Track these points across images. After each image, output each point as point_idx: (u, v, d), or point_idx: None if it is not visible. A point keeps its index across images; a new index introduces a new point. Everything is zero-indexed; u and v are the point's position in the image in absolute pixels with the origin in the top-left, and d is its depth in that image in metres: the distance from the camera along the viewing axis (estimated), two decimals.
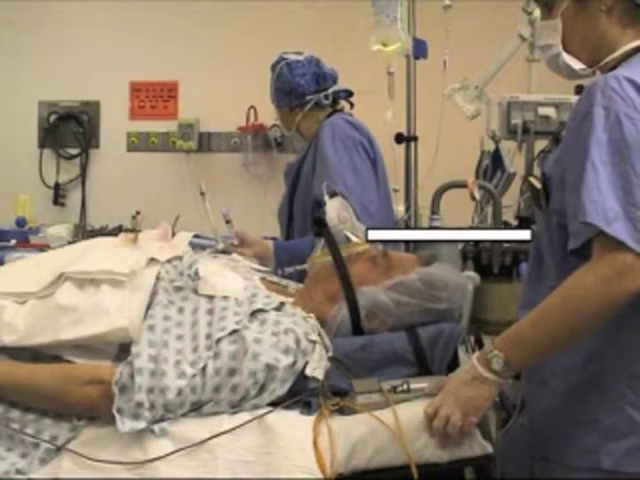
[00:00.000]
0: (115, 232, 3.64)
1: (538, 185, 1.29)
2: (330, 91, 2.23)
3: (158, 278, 1.41)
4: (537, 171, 2.22)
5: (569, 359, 1.25)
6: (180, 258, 1.47)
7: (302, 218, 2.14)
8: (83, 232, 3.64)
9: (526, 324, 1.20)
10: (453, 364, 1.37)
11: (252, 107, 3.86)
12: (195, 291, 1.38)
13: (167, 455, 1.17)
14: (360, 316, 1.42)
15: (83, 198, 4.09)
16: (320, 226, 1.48)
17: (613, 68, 1.27)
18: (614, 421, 1.22)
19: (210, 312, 1.32)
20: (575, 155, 1.19)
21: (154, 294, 1.38)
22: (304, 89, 2.20)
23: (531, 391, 1.34)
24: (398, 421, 1.20)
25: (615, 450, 1.21)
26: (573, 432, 1.25)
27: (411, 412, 1.24)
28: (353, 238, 1.48)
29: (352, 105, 2.35)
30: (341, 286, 1.44)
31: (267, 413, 1.23)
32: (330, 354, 1.33)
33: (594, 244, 1.16)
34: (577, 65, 1.33)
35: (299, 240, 2.04)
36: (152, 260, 1.44)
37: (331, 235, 1.44)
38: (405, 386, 1.27)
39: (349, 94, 2.32)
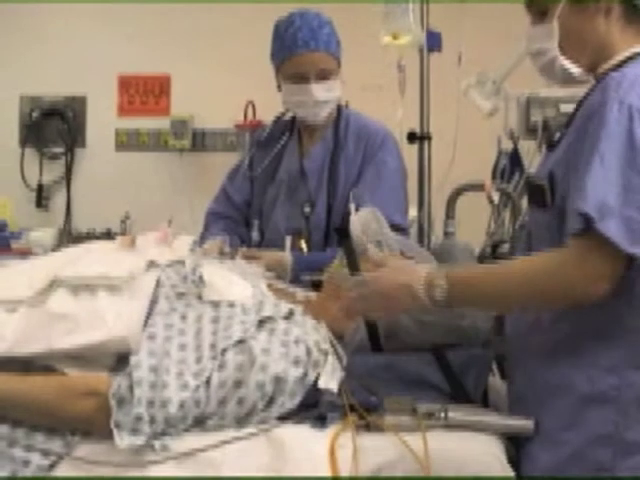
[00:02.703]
0: (103, 237, 3.66)
1: (542, 182, 1.33)
2: None
3: (159, 283, 1.42)
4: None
5: None
6: (182, 262, 1.49)
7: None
8: (68, 237, 3.65)
9: (483, 273, 1.34)
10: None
11: (250, 103, 3.87)
12: (199, 297, 1.40)
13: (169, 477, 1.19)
14: (380, 337, 1.43)
15: (68, 200, 4.10)
16: (341, 236, 1.49)
17: (614, 70, 1.31)
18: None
19: (215, 320, 1.34)
20: (585, 147, 1.25)
21: (154, 301, 1.39)
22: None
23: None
24: (427, 450, 1.21)
25: None
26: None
27: (442, 442, 1.25)
28: (372, 251, 1.48)
29: None
30: None
31: (275, 427, 1.24)
32: (344, 364, 1.34)
33: (583, 235, 1.21)
34: (575, 69, 1.37)
35: (322, 254, 1.95)
36: (152, 264, 1.46)
37: (351, 247, 1.45)
38: (442, 413, 1.29)
39: None
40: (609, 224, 1.19)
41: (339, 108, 2.16)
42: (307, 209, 2.08)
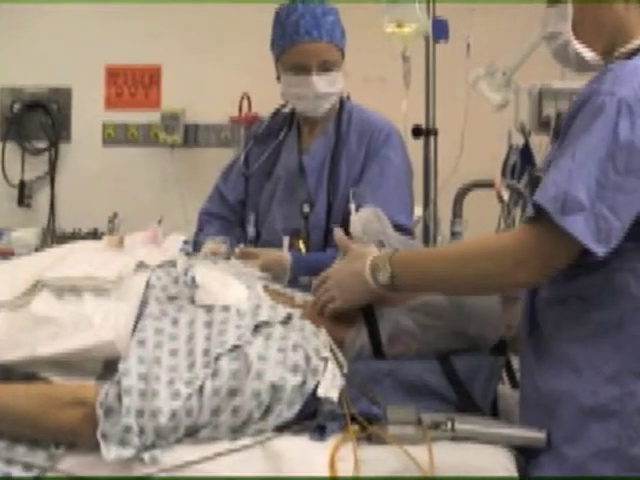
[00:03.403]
0: (89, 237, 3.66)
1: (541, 175, 1.35)
2: None
3: (148, 285, 1.42)
4: None
5: None
6: (173, 263, 1.49)
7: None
8: (52, 237, 3.66)
9: (427, 255, 1.42)
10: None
11: (245, 95, 3.88)
12: (191, 300, 1.39)
13: None
14: (382, 342, 1.44)
15: (52, 198, 4.10)
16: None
17: (628, 58, 1.32)
18: None
19: (208, 325, 1.33)
20: (567, 137, 1.27)
21: (144, 304, 1.39)
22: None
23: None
24: (433, 463, 1.21)
25: None
26: None
27: (449, 455, 1.25)
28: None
29: None
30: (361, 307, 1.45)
31: (272, 438, 1.24)
32: (345, 372, 1.34)
33: (535, 224, 1.25)
34: (588, 54, 1.38)
35: (322, 254, 1.95)
36: (141, 265, 1.46)
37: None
38: (449, 424, 1.29)
39: None
40: (576, 219, 1.21)
41: (341, 101, 2.15)
42: (306, 208, 2.08)
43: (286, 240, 2.00)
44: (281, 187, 2.13)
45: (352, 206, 1.59)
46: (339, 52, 2.04)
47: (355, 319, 1.45)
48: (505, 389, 1.61)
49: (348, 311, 1.45)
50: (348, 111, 2.14)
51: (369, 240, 1.48)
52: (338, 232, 1.51)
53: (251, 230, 2.13)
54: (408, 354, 1.43)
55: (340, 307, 1.44)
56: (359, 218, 1.53)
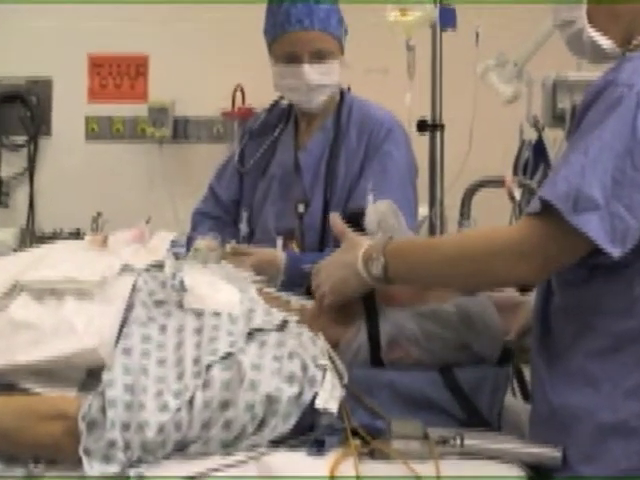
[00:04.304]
0: (71, 238, 3.66)
1: None
2: None
3: (135, 288, 1.42)
4: None
5: None
6: (161, 265, 1.50)
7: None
8: (31, 238, 3.66)
9: (424, 246, 1.42)
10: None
11: (239, 87, 3.88)
12: (180, 305, 1.40)
13: None
14: (381, 343, 1.44)
15: (31, 197, 4.10)
16: (354, 225, 1.50)
17: None
18: None
19: (198, 331, 1.33)
20: (580, 130, 1.27)
21: (130, 308, 1.39)
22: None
23: None
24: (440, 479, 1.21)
25: None
26: None
27: (458, 472, 1.25)
28: None
29: None
30: (363, 304, 1.45)
31: (267, 453, 1.24)
32: (345, 382, 1.34)
33: (540, 219, 1.25)
34: (605, 43, 1.37)
35: (319, 254, 1.87)
36: (127, 267, 1.46)
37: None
38: (458, 440, 1.29)
39: None
40: (589, 218, 1.21)
41: (342, 94, 2.15)
42: (301, 208, 2.08)
43: (279, 241, 2.00)
44: (275, 185, 2.14)
45: (370, 197, 1.58)
46: (335, 41, 2.04)
47: (356, 318, 1.45)
48: (511, 401, 1.61)
49: (349, 309, 1.45)
50: (348, 104, 2.14)
51: (382, 234, 1.48)
52: (335, 217, 1.52)
53: (244, 228, 2.13)
54: (406, 362, 1.43)
55: (333, 302, 1.45)
56: (376, 210, 1.52)
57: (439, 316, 1.45)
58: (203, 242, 1.82)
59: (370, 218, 1.51)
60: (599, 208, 1.21)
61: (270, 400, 1.26)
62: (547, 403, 1.35)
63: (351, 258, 1.41)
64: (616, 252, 1.22)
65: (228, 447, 1.26)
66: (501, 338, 1.48)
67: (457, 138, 2.58)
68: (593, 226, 1.21)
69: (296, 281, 1.76)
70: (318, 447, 1.26)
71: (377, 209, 1.53)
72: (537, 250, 1.25)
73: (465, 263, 1.31)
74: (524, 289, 1.55)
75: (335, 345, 1.43)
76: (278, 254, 1.94)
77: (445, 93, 2.63)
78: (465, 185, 2.45)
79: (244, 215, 2.15)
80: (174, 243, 1.69)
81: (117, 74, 4.11)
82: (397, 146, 2.08)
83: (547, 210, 1.24)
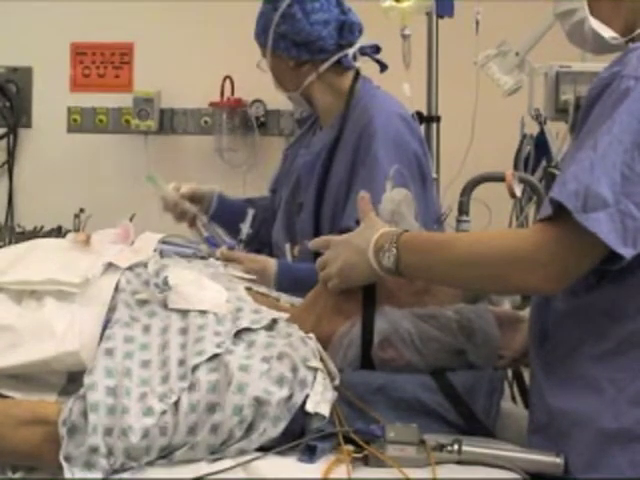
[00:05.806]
0: (52, 235, 3.66)
1: (557, 172, 1.35)
2: (357, 47, 2.11)
3: (117, 289, 1.42)
4: None
5: None
6: (145, 264, 1.50)
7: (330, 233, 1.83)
8: (10, 235, 3.65)
9: (436, 241, 1.40)
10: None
11: (227, 78, 3.88)
12: (164, 305, 1.40)
13: None
14: (373, 341, 1.44)
15: (10, 191, 4.09)
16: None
17: None
18: None
19: (184, 331, 1.34)
20: (586, 125, 1.27)
21: (112, 309, 1.39)
22: (325, 43, 2.07)
23: None
24: None
25: None
26: None
27: (453, 478, 1.25)
28: None
29: (383, 67, 2.21)
30: (362, 295, 1.46)
31: (256, 459, 1.24)
32: (337, 383, 1.35)
33: (553, 223, 1.24)
34: (607, 33, 1.38)
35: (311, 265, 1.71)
36: (110, 266, 1.46)
37: None
38: (456, 446, 1.29)
39: (376, 49, 2.18)
40: (598, 218, 1.20)
41: (352, 88, 2.11)
42: (296, 212, 2.10)
43: (287, 247, 2.00)
44: (288, 187, 2.16)
45: (388, 184, 1.57)
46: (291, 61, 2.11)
47: (355, 312, 1.46)
48: (512, 407, 1.62)
49: (351, 299, 1.45)
50: (357, 100, 2.10)
51: (394, 224, 1.47)
52: (363, 196, 1.50)
53: (245, 229, 2.12)
54: (397, 363, 1.44)
55: (337, 286, 1.44)
56: (391, 199, 1.52)
57: (438, 320, 1.45)
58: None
59: (385, 206, 1.50)
60: (608, 206, 1.20)
61: (259, 403, 1.26)
62: (545, 409, 1.35)
63: (363, 244, 1.40)
64: (628, 253, 1.21)
65: (215, 453, 1.26)
66: (497, 352, 1.49)
67: (455, 131, 2.59)
68: (602, 225, 1.20)
69: (287, 290, 1.74)
70: (310, 453, 1.26)
71: (393, 198, 1.52)
72: (555, 259, 1.23)
73: (479, 267, 1.30)
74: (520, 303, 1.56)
75: (329, 337, 1.43)
76: (269, 262, 1.92)
77: (442, 84, 2.64)
78: (464, 180, 2.45)
79: (250, 214, 2.14)
80: (163, 247, 1.68)
81: (101, 63, 4.11)
82: (386, 149, 1.99)
83: (559, 213, 1.23)
